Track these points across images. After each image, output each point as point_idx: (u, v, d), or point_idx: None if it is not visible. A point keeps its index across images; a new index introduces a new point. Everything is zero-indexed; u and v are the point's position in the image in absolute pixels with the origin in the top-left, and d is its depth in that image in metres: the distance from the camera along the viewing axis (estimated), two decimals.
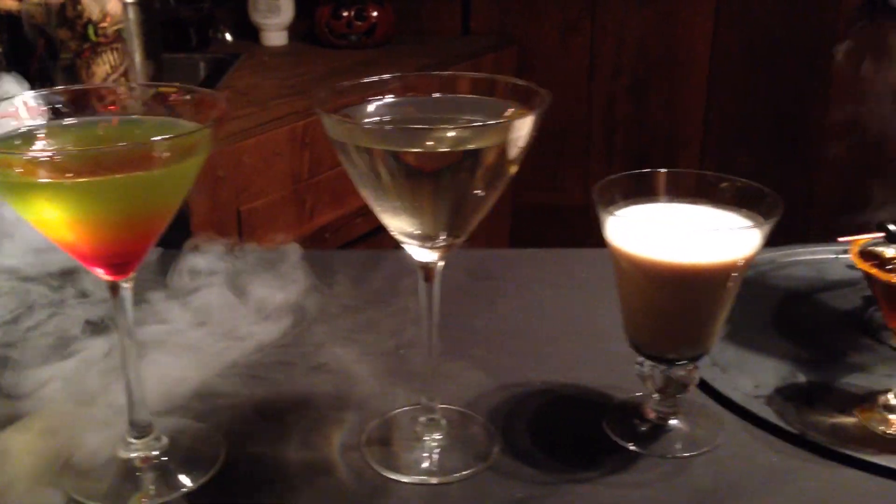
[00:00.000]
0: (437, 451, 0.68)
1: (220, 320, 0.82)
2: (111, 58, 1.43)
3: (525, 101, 0.63)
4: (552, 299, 0.92)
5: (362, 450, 0.68)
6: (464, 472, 0.66)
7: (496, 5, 2.71)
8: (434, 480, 0.66)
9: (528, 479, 0.66)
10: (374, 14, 2.43)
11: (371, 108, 0.64)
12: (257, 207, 1.85)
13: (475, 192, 0.60)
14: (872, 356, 0.80)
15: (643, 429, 0.71)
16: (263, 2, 2.46)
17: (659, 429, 0.71)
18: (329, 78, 2.15)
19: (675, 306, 0.67)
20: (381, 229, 0.65)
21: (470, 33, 2.73)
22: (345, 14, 2.41)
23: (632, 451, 0.69)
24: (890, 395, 0.72)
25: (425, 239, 0.63)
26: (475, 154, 0.59)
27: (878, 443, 0.69)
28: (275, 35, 2.49)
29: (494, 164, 0.60)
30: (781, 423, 0.71)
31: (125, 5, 1.56)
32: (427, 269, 0.65)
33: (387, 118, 0.65)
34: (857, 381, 0.77)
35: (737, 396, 0.74)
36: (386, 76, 0.66)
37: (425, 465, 0.67)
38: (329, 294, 0.89)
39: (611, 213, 0.65)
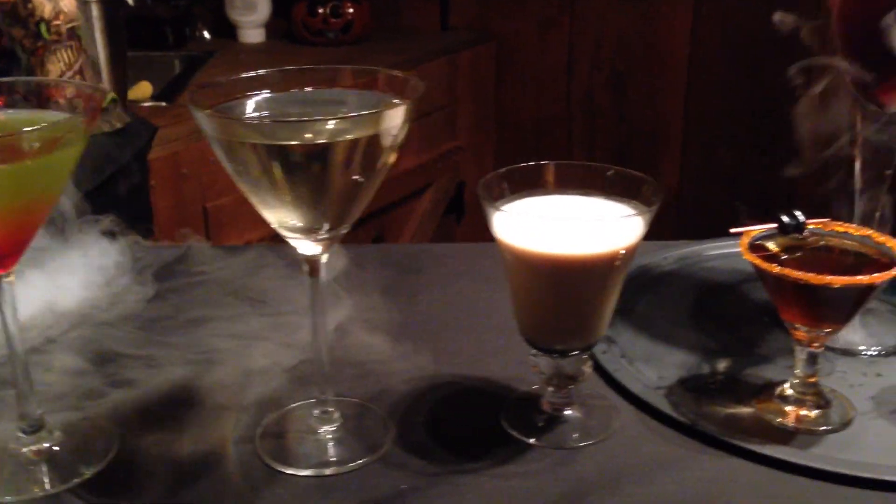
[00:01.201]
0: (329, 443, 0.69)
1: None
2: (66, 56, 1.43)
3: (401, 92, 0.63)
4: (474, 293, 0.92)
5: (256, 443, 0.69)
6: (351, 465, 0.66)
7: (475, 1, 2.71)
8: (323, 472, 0.66)
9: (415, 471, 0.66)
10: (351, 11, 2.43)
11: (249, 103, 0.65)
12: (224, 204, 1.86)
13: (353, 182, 0.61)
14: (780, 348, 0.80)
15: (538, 420, 0.71)
16: None
17: (554, 420, 0.71)
18: None
19: (559, 298, 0.67)
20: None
21: (449, 29, 2.73)
22: (320, 11, 2.42)
23: (524, 442, 0.69)
24: (786, 386, 0.72)
25: (307, 231, 0.63)
26: (350, 145, 0.59)
27: (770, 433, 0.69)
28: (252, 32, 2.50)
29: (370, 153, 0.60)
30: (674, 414, 0.71)
31: (83, 3, 1.56)
32: (311, 262, 0.65)
33: (265, 113, 0.65)
34: (761, 373, 0.77)
35: (636, 387, 0.74)
36: (262, 71, 0.66)
37: (315, 457, 0.68)
38: (231, 288, 0.90)
39: (494, 208, 0.65)
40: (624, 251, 0.65)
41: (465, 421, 0.73)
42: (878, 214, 0.81)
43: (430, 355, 0.80)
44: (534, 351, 0.70)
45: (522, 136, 2.81)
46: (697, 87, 2.64)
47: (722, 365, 0.79)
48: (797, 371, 0.71)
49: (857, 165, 0.80)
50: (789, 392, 0.72)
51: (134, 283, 0.89)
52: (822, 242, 0.72)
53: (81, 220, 0.87)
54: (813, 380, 0.71)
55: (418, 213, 2.47)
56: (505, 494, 0.64)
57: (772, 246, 0.71)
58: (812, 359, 0.70)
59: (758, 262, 0.67)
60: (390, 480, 0.66)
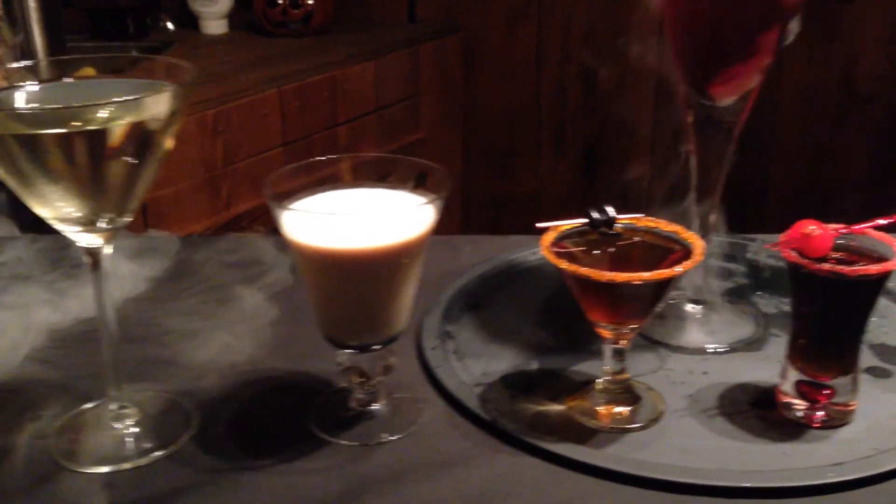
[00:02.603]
0: (122, 439, 0.68)
1: None
2: None
3: (177, 78, 0.63)
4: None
5: (49, 441, 0.68)
6: (138, 461, 0.66)
7: None
8: (110, 468, 0.65)
9: (203, 467, 0.66)
10: (311, 2, 2.43)
11: (17, 94, 0.64)
12: (165, 195, 1.86)
13: (127, 170, 0.61)
14: None
15: (343, 417, 0.71)
16: None
17: (360, 416, 0.71)
18: (256, 66, 2.15)
19: (350, 294, 0.66)
20: None
21: (416, 21, 2.72)
22: (280, 2, 2.41)
23: (322, 438, 0.68)
24: (597, 384, 0.71)
25: (86, 223, 0.62)
26: (119, 132, 0.59)
27: (571, 431, 0.68)
28: (214, 24, 2.50)
29: (141, 140, 0.60)
30: (478, 411, 0.70)
31: None
32: (93, 254, 0.64)
33: (29, 104, 0.65)
34: (586, 369, 0.76)
35: (451, 384, 0.74)
36: (29, 62, 0.65)
37: (104, 454, 0.67)
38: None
39: (279, 206, 0.64)
40: (411, 243, 0.64)
41: (272, 417, 0.72)
42: (712, 217, 0.79)
43: (247, 350, 0.79)
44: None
45: (491, 128, 2.80)
46: (667, 80, 2.62)
47: (552, 361, 0.78)
48: (605, 368, 0.70)
49: (693, 162, 0.79)
50: (599, 389, 0.71)
51: None
52: (636, 238, 0.70)
53: None
54: (622, 377, 0.70)
55: None
56: (286, 491, 0.63)
57: (579, 242, 0.69)
58: (618, 355, 0.69)
59: (552, 258, 0.66)
60: (176, 476, 0.65)
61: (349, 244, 0.63)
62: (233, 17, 2.55)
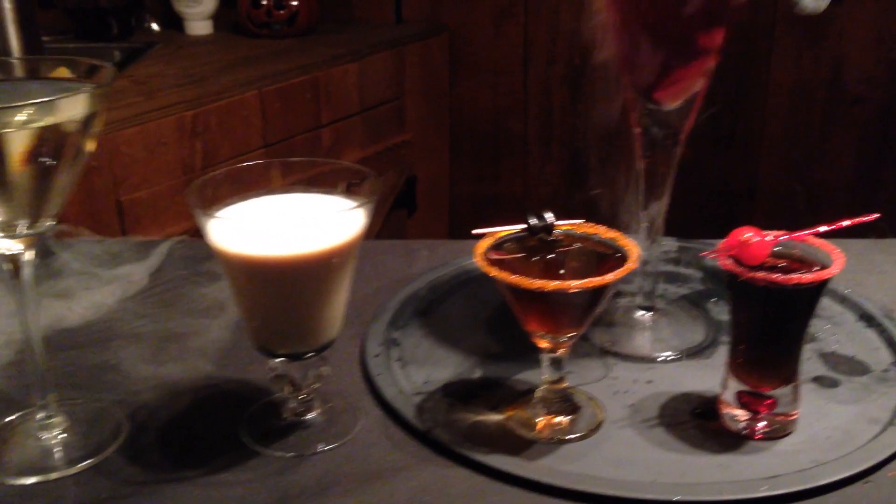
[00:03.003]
0: (48, 450, 0.67)
1: None
2: None
3: (98, 79, 0.62)
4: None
5: None
6: (64, 472, 0.65)
7: None
8: (31, 480, 0.64)
9: (128, 479, 0.64)
10: (295, 3, 2.41)
11: None
12: (141, 198, 1.85)
13: (44, 173, 0.59)
14: None
15: (276, 427, 0.69)
16: None
17: (293, 426, 0.69)
18: (237, 67, 2.14)
19: (278, 302, 0.65)
20: None
21: (402, 21, 2.70)
22: (264, 3, 2.40)
23: (253, 449, 0.67)
24: (536, 394, 0.70)
25: (4, 228, 0.61)
26: (31, 134, 0.57)
27: (506, 442, 0.67)
28: (198, 24, 2.48)
29: (57, 143, 0.59)
30: (413, 420, 0.69)
31: None
32: (13, 261, 0.63)
33: None
34: (530, 378, 0.74)
35: (389, 392, 0.72)
36: None
37: (29, 464, 0.66)
38: None
39: (204, 214, 0.62)
40: (338, 249, 0.63)
41: (204, 427, 0.71)
42: (658, 220, 0.78)
43: (182, 360, 0.77)
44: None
45: (478, 129, 2.78)
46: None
47: (495, 369, 0.77)
48: (544, 377, 0.69)
49: (640, 166, 0.77)
50: (538, 398, 0.69)
51: None
52: (575, 245, 0.69)
53: None
54: (561, 386, 0.69)
55: None
56: (208, 502, 0.62)
57: (517, 249, 0.68)
58: (556, 364, 0.68)
59: (483, 265, 0.64)
60: (101, 487, 0.64)
61: (273, 251, 0.61)
62: (218, 17, 2.54)
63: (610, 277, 0.61)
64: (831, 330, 0.80)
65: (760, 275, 0.61)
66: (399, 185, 2.57)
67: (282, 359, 0.67)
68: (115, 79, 0.61)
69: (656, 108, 0.74)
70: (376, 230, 2.46)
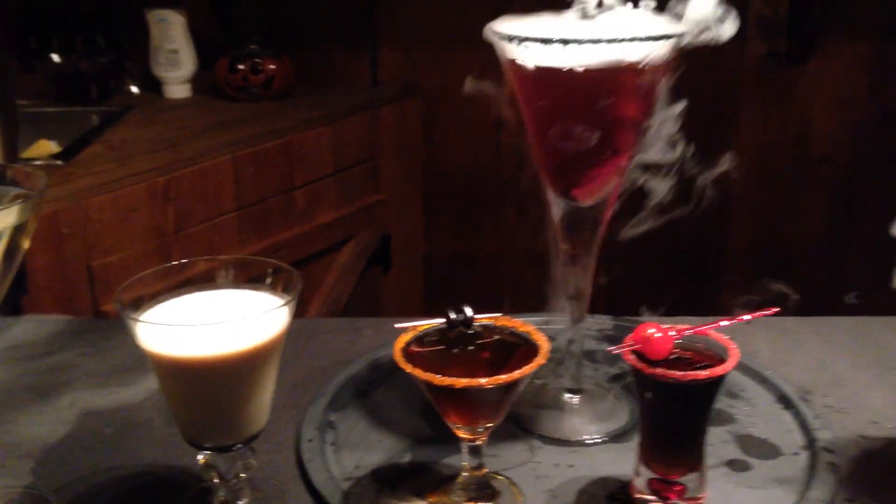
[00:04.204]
0: None
1: None
2: None
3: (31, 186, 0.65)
4: None
5: None
6: None
7: (402, 56, 2.74)
8: None
9: None
10: (272, 67, 2.46)
11: None
12: (112, 262, 1.87)
13: None
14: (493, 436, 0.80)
15: None
16: (164, 56, 2.50)
17: None
18: (210, 132, 2.18)
19: (202, 398, 0.67)
20: None
21: (378, 84, 2.76)
22: (240, 68, 2.45)
23: None
24: (458, 480, 0.73)
25: None
26: None
27: None
28: (177, 88, 2.53)
29: None
30: None
31: None
32: None
33: None
34: (456, 462, 0.77)
35: (318, 479, 0.75)
36: None
37: None
38: None
39: (130, 317, 0.65)
40: (261, 348, 0.66)
41: None
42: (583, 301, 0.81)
43: (124, 443, 0.80)
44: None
45: (453, 188, 2.82)
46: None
47: (422, 454, 0.79)
48: (464, 464, 0.72)
49: (561, 258, 0.81)
50: (460, 484, 0.72)
51: None
52: (494, 338, 0.72)
53: None
54: (481, 472, 0.72)
55: (337, 265, 2.48)
56: None
57: (437, 342, 0.71)
58: (474, 452, 0.71)
59: (399, 360, 0.67)
60: None
61: (196, 352, 0.64)
62: (197, 80, 2.59)
63: (517, 374, 0.64)
64: (749, 412, 0.83)
65: (659, 371, 0.64)
66: (374, 243, 2.60)
67: (208, 452, 0.69)
68: (47, 188, 0.64)
69: (574, 203, 0.78)
70: (350, 289, 2.50)
